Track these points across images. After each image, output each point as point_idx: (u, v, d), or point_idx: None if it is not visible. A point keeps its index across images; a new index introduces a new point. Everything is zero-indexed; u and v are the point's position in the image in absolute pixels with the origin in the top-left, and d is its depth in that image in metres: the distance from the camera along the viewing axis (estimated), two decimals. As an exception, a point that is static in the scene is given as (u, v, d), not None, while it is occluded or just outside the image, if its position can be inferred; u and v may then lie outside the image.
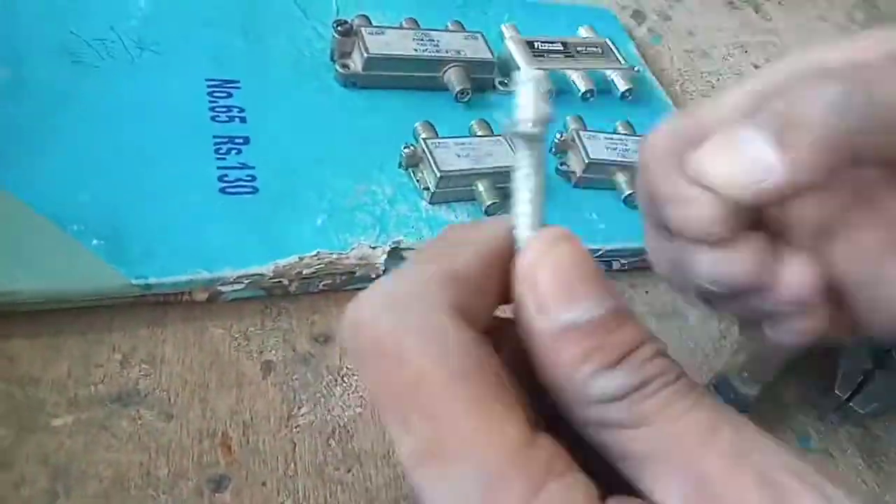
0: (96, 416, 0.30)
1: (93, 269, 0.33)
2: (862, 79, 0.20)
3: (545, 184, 0.19)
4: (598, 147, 0.45)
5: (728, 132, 0.21)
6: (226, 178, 0.38)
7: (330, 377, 0.34)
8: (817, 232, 0.24)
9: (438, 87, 0.47)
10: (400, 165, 0.42)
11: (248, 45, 0.46)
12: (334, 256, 0.36)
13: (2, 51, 0.39)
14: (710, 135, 0.21)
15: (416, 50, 0.46)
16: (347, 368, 0.35)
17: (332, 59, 0.46)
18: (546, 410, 0.18)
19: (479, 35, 0.49)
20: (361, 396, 0.34)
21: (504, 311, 0.19)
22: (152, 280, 0.33)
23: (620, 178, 0.45)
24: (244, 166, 0.39)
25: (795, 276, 0.22)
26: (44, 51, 0.40)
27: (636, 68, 0.54)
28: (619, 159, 0.45)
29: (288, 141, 0.41)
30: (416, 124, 0.43)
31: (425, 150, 0.41)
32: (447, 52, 0.47)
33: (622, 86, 0.51)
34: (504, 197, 0.41)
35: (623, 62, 0.53)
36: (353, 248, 0.37)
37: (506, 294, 0.19)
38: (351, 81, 0.45)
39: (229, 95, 0.42)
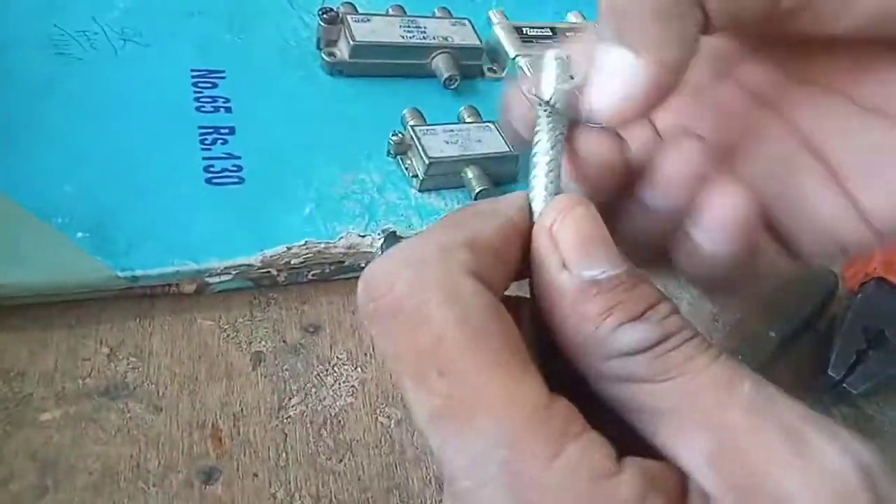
0: (84, 409, 0.30)
1: (78, 261, 0.32)
2: None
3: (561, 155, 0.20)
4: (588, 132, 0.45)
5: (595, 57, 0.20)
6: (212, 169, 0.38)
7: (320, 367, 0.34)
8: (723, 153, 0.23)
9: (426, 74, 0.47)
10: (388, 153, 0.42)
11: (233, 36, 0.45)
12: (322, 245, 0.36)
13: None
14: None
15: (402, 37, 0.46)
16: (338, 358, 0.35)
17: (318, 47, 0.46)
18: (557, 377, 0.18)
19: (466, 21, 0.49)
20: (352, 386, 0.34)
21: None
22: (139, 272, 0.33)
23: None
24: (230, 156, 0.39)
25: (727, 196, 0.21)
26: (27, 43, 0.40)
27: (625, 52, 0.53)
28: (609, 144, 0.45)
29: (274, 130, 0.41)
30: (404, 111, 0.43)
31: (413, 137, 0.41)
32: (434, 38, 0.47)
33: (611, 70, 0.51)
34: (493, 183, 0.41)
35: (612, 46, 0.52)
36: (341, 237, 0.37)
37: (519, 266, 0.19)
38: (337, 69, 0.45)
39: (214, 86, 0.42)
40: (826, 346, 0.40)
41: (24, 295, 0.31)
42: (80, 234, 0.33)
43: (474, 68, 0.49)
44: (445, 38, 0.47)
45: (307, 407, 0.33)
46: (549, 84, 0.19)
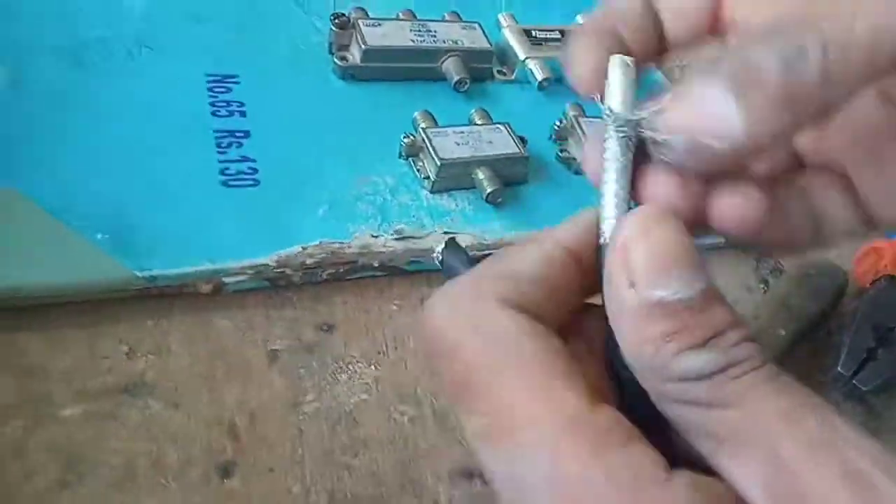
0: (104, 406, 0.31)
1: (98, 262, 0.33)
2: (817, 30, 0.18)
3: (631, 166, 0.19)
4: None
5: (690, 85, 0.19)
6: (227, 172, 0.38)
7: (335, 365, 0.35)
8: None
9: (437, 77, 0.47)
10: (400, 155, 0.42)
11: (246, 41, 0.46)
12: (336, 245, 0.37)
13: (2, 52, 0.40)
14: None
15: (413, 41, 0.46)
16: (352, 356, 0.35)
17: (330, 52, 0.47)
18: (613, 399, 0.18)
19: (476, 25, 0.49)
20: (366, 383, 0.34)
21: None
22: (156, 272, 0.33)
23: (620, 163, 0.45)
24: (245, 159, 0.39)
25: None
26: (44, 52, 0.41)
27: (634, 55, 0.54)
28: (619, 144, 0.45)
29: (288, 134, 0.42)
30: (416, 114, 0.43)
31: (425, 139, 0.41)
32: (444, 42, 0.47)
33: (620, 72, 0.52)
34: (504, 184, 0.41)
35: (621, 49, 0.53)
36: (355, 237, 0.37)
37: (585, 285, 0.19)
38: (349, 74, 0.46)
39: (228, 90, 0.43)
40: (836, 343, 0.40)
41: (46, 295, 0.32)
42: (99, 236, 0.34)
43: (484, 71, 0.49)
44: (455, 42, 0.48)
45: (322, 404, 0.33)
46: (616, 90, 0.19)
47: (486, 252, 0.39)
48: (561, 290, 0.19)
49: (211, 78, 0.43)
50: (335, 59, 0.45)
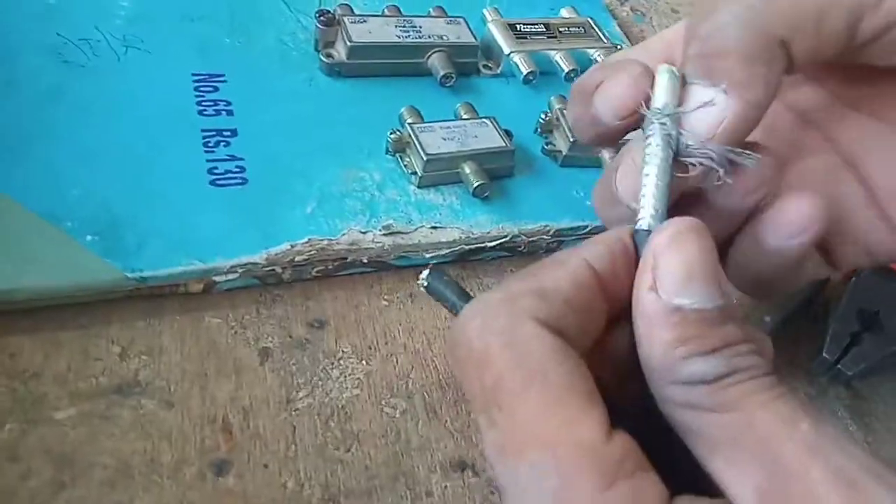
0: (98, 407, 0.31)
1: (88, 264, 0.33)
2: None
3: (671, 164, 0.21)
4: (583, 125, 0.46)
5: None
6: (215, 171, 0.39)
7: (326, 361, 0.35)
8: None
9: (423, 72, 0.48)
10: (387, 151, 0.42)
11: (233, 40, 0.46)
12: (325, 242, 0.37)
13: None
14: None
15: (398, 37, 0.47)
16: (343, 352, 0.36)
17: (316, 49, 0.47)
18: (634, 403, 0.19)
19: (461, 20, 0.50)
20: (358, 378, 0.35)
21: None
22: (147, 273, 0.33)
23: (605, 154, 0.45)
24: (233, 158, 0.39)
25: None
26: (31, 52, 0.41)
27: (619, 46, 0.54)
28: (604, 136, 0.45)
29: (275, 132, 0.42)
30: (402, 109, 0.44)
31: (411, 134, 0.41)
32: (430, 37, 0.47)
33: (605, 64, 0.52)
34: (490, 177, 0.42)
35: (606, 41, 0.53)
36: (343, 234, 0.38)
37: (610, 307, 0.20)
38: (336, 70, 0.46)
39: (215, 89, 0.43)
40: (822, 330, 0.41)
41: (37, 298, 0.32)
42: (89, 237, 0.34)
43: (470, 66, 0.49)
44: (441, 37, 0.48)
45: (314, 399, 0.33)
46: (661, 93, 0.21)
47: (477, 252, 0.40)
48: (588, 311, 0.20)
49: (197, 77, 0.43)
50: (321, 57, 0.46)
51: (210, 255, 0.35)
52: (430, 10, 0.51)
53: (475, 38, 0.49)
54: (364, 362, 0.35)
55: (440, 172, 0.41)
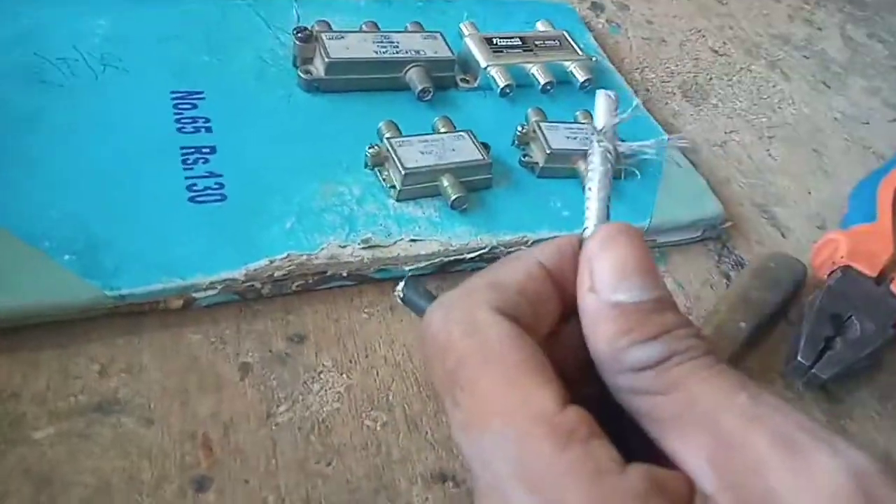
0: (77, 426, 0.31)
1: (66, 283, 0.33)
2: None
3: (612, 182, 0.23)
4: (559, 137, 0.46)
5: None
6: (194, 188, 0.39)
7: (307, 375, 0.35)
8: None
9: (401, 87, 0.48)
10: (366, 165, 0.43)
11: (212, 58, 0.46)
12: (304, 257, 0.37)
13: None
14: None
15: (376, 52, 0.47)
16: (324, 366, 0.36)
17: (294, 65, 0.47)
18: (593, 391, 0.21)
19: (438, 35, 0.50)
20: (338, 392, 0.35)
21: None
22: (125, 291, 0.34)
23: (581, 165, 0.46)
24: (212, 175, 0.40)
25: None
26: (8, 72, 0.41)
27: (594, 58, 0.55)
28: (580, 147, 0.46)
29: (254, 148, 0.42)
30: (380, 124, 0.44)
31: (389, 149, 0.42)
32: (407, 52, 0.48)
33: (581, 76, 0.53)
34: (468, 190, 0.42)
35: (581, 53, 0.54)
36: (322, 248, 0.38)
37: (563, 299, 0.22)
38: (314, 86, 0.46)
39: (194, 107, 0.43)
40: (796, 334, 0.42)
41: (15, 318, 0.32)
42: (67, 257, 0.34)
43: (447, 79, 0.50)
44: (418, 52, 0.48)
45: (295, 414, 0.34)
46: (601, 114, 0.24)
47: (457, 263, 0.40)
48: (541, 301, 0.21)
49: (176, 95, 0.43)
50: (299, 73, 0.46)
51: (189, 271, 0.35)
52: (407, 25, 0.51)
53: (452, 52, 0.50)
54: (345, 375, 0.36)
55: (418, 186, 0.42)
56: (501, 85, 0.50)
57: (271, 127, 0.44)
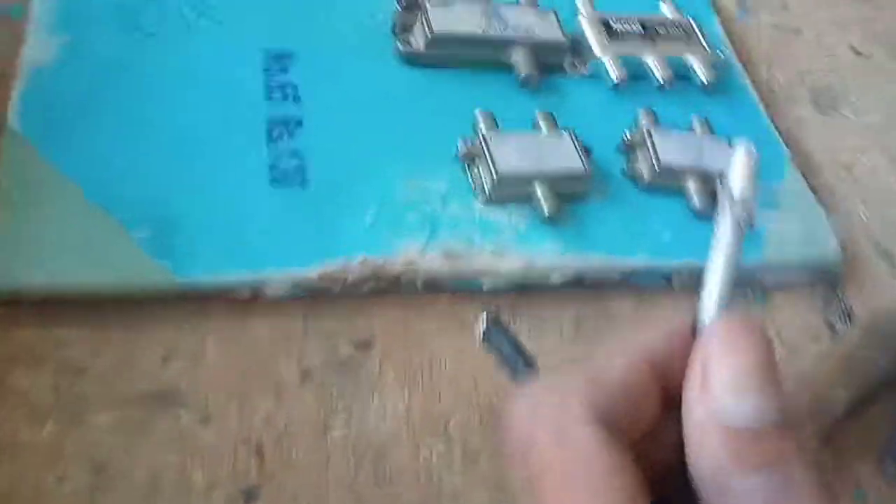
0: (137, 414, 0.31)
1: (139, 263, 0.32)
2: None
3: (741, 261, 0.20)
4: (670, 148, 0.42)
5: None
6: (276, 168, 0.37)
7: (367, 386, 0.34)
8: None
9: (504, 66, 0.44)
10: (456, 158, 0.40)
11: (308, 13, 0.43)
12: (380, 262, 0.35)
13: (63, 15, 0.38)
14: None
15: (482, 29, 0.43)
16: (385, 380, 0.34)
17: (393, 31, 0.44)
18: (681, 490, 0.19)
19: (552, 13, 0.46)
20: (398, 411, 0.34)
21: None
22: (195, 278, 0.33)
23: (692, 185, 0.42)
24: (295, 154, 0.38)
25: None
26: (102, 14, 0.39)
27: (720, 54, 0.49)
28: (692, 165, 0.42)
29: (342, 125, 0.40)
30: (477, 113, 0.41)
31: (484, 145, 0.39)
32: (516, 31, 0.44)
33: (704, 75, 0.47)
34: (565, 200, 0.39)
35: (706, 49, 0.48)
36: (400, 253, 0.36)
37: (667, 398, 0.20)
38: (412, 59, 0.43)
39: (285, 71, 0.41)
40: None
41: (85, 291, 0.32)
42: (141, 234, 0.33)
43: (555, 65, 0.46)
44: (527, 32, 0.44)
45: (350, 430, 0.33)
46: (739, 179, 0.20)
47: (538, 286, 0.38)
48: (643, 402, 0.19)
49: (267, 55, 0.41)
50: (397, 43, 0.43)
51: (262, 263, 0.34)
52: (520, -2, 0.47)
53: (564, 35, 0.45)
54: (406, 390, 0.34)
55: (510, 191, 0.39)
56: (614, 78, 0.45)
57: (362, 100, 0.41)
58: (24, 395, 0.30)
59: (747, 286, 0.43)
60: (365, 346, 0.35)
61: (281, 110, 0.39)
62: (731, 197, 0.20)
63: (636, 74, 0.47)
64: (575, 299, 0.39)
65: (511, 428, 0.19)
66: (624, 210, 0.42)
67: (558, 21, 0.46)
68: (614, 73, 0.45)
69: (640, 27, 0.48)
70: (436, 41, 0.42)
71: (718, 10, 0.58)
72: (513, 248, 0.38)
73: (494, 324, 0.23)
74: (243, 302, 0.34)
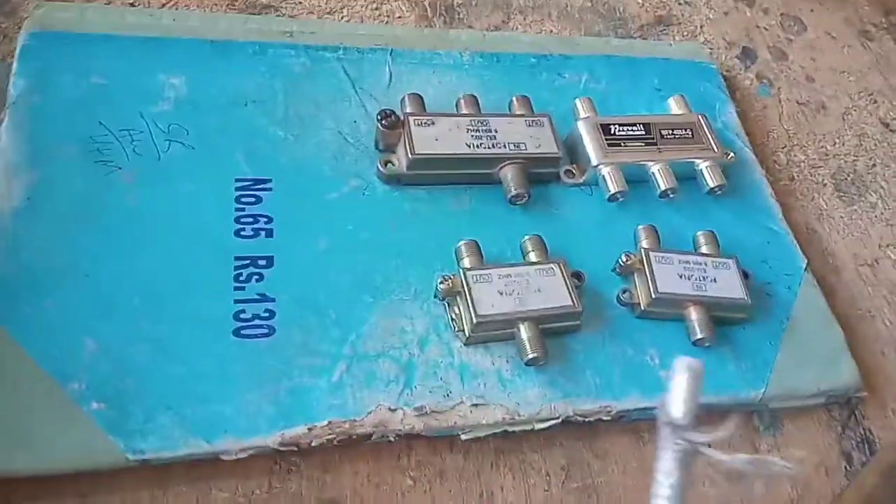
0: None
1: (90, 439, 0.31)
2: None
3: (686, 482, 0.19)
4: (670, 276, 0.39)
5: None
6: (242, 316, 0.35)
7: (334, 560, 0.32)
8: None
9: (493, 181, 0.42)
10: (436, 295, 0.38)
11: (287, 132, 0.42)
12: (347, 425, 0.33)
13: (32, 149, 0.37)
14: None
15: (469, 145, 0.41)
16: (353, 551, 0.32)
17: (376, 147, 0.42)
18: None
19: (545, 120, 0.43)
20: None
21: None
22: (149, 455, 0.31)
23: (693, 314, 0.39)
24: (263, 298, 0.36)
25: None
26: (68, 146, 0.38)
27: (729, 154, 0.46)
28: (693, 293, 0.39)
29: (315, 259, 0.38)
30: (460, 245, 0.38)
31: (464, 284, 0.36)
32: (505, 146, 0.41)
33: (712, 181, 0.44)
34: (549, 336, 0.36)
35: (716, 148, 0.45)
36: (369, 413, 0.34)
37: None
38: (394, 179, 0.41)
39: (258, 200, 0.39)
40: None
41: (34, 470, 0.30)
42: (94, 406, 0.31)
43: (549, 175, 0.43)
44: (517, 146, 0.42)
45: None
46: (679, 397, 0.19)
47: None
48: None
49: (241, 182, 0.39)
50: (378, 165, 0.40)
51: (219, 431, 0.32)
52: (514, 98, 0.44)
53: (558, 145, 0.42)
54: (376, 562, 0.32)
55: (491, 333, 0.36)
56: (612, 190, 0.42)
57: (338, 230, 0.39)
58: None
59: (754, 414, 0.40)
60: (333, 510, 0.33)
61: (250, 248, 0.37)
62: (673, 422, 0.19)
63: (637, 181, 0.44)
64: (564, 437, 0.36)
65: None
66: (617, 341, 0.39)
67: (552, 129, 0.43)
68: (612, 185, 0.42)
69: (642, 130, 0.45)
70: (418, 163, 0.40)
71: (737, 88, 0.55)
72: (495, 395, 0.35)
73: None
74: (205, 462, 0.33)
